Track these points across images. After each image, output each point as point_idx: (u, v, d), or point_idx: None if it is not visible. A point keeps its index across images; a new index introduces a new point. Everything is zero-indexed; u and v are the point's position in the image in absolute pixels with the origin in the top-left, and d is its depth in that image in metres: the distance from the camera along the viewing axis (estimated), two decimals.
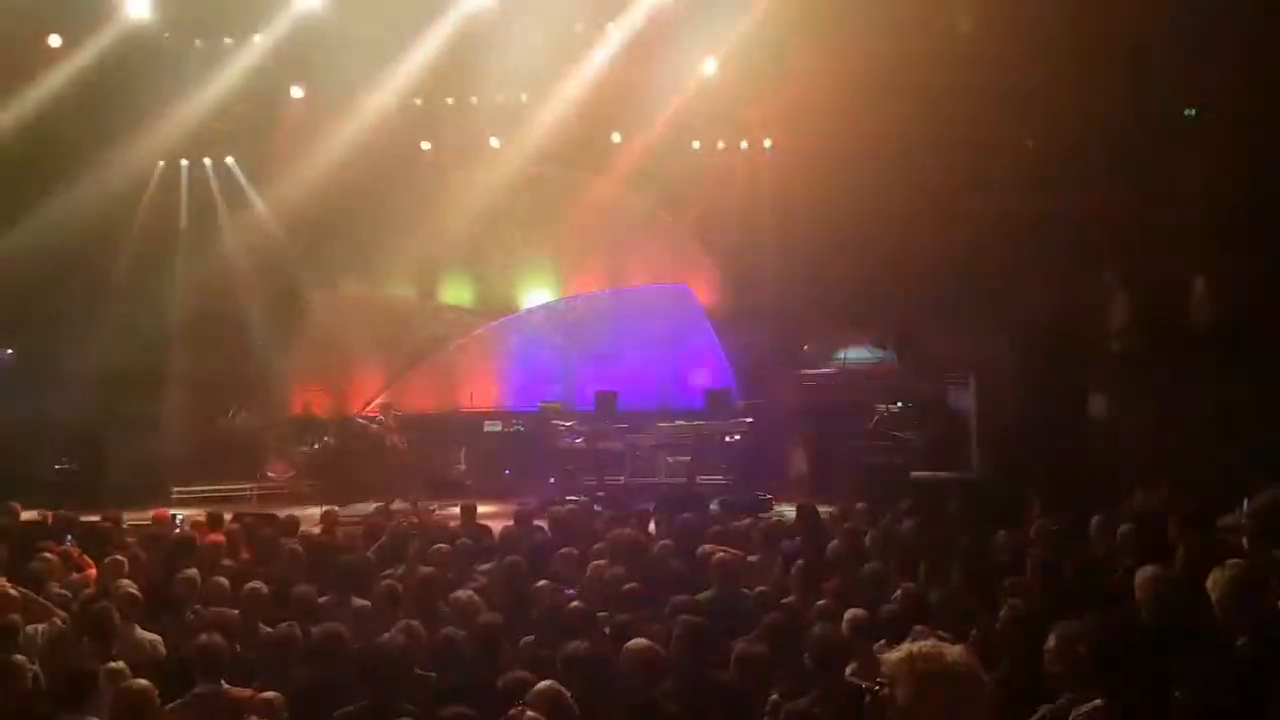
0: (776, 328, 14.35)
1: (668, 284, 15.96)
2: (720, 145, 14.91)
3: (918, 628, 4.66)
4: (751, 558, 6.89)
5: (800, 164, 12.59)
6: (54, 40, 12.41)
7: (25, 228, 12.64)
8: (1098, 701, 3.64)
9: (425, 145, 15.05)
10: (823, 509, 8.63)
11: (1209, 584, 3.72)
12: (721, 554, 6.37)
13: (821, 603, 5.40)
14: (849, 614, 5.03)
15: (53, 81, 12.38)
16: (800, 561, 6.04)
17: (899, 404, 13.02)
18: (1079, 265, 12.08)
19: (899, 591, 5.35)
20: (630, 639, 4.66)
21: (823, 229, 12.92)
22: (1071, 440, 11.04)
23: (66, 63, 12.40)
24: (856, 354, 14.23)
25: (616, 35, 13.15)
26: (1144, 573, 4.83)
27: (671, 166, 14.33)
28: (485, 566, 6.85)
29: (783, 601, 5.64)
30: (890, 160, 11.96)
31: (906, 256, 12.34)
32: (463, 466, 13.70)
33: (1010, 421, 11.64)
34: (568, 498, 11.33)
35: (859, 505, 8.42)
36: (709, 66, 13.57)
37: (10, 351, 13.99)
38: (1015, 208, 11.70)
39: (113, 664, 4.73)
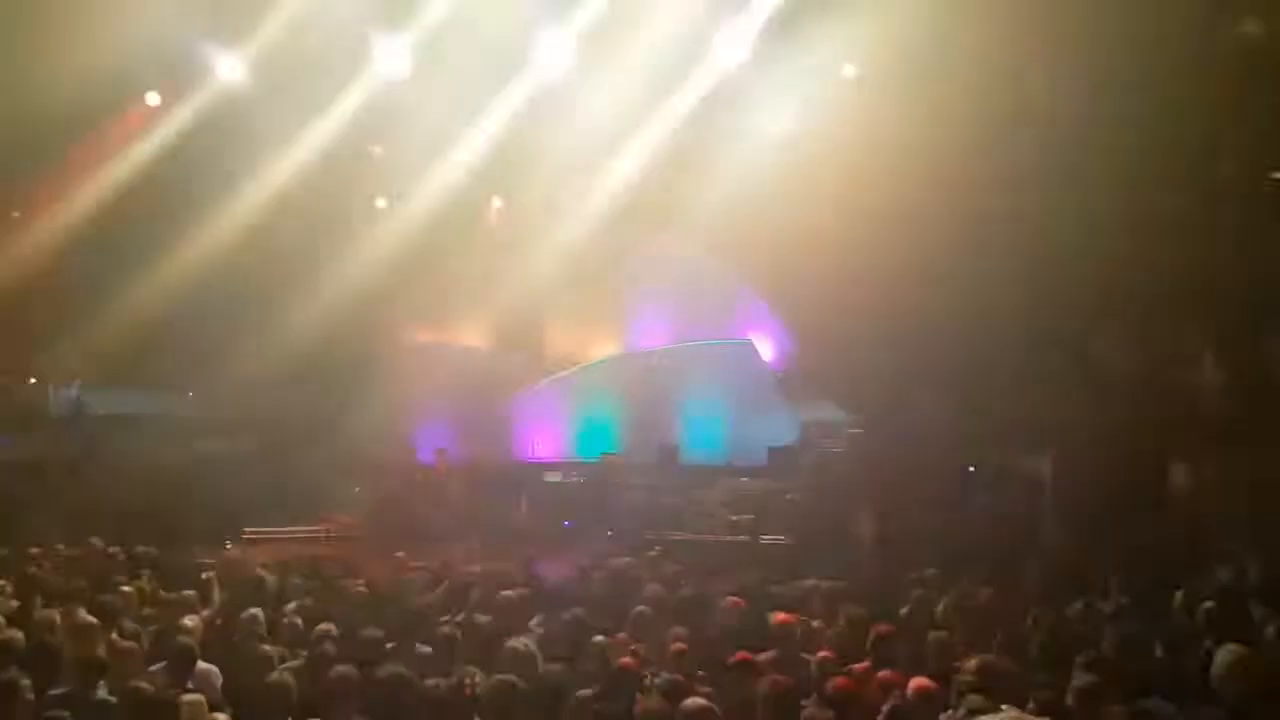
0: (842, 386, 14.21)
1: (732, 339, 15.97)
2: (787, 202, 14.94)
3: (973, 697, 4.54)
4: (814, 622, 6.75)
5: (870, 220, 12.55)
6: (152, 99, 13.11)
7: (138, 278, 13.24)
8: None
9: (497, 202, 15.44)
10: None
11: None
12: (782, 616, 6.27)
13: (888, 672, 5.25)
14: (914, 683, 4.90)
15: (153, 138, 13.07)
16: (875, 630, 5.87)
17: (971, 468, 12.73)
18: (1164, 328, 11.77)
19: (971, 662, 5.18)
20: (684, 698, 4.60)
21: (893, 287, 12.81)
22: (1152, 510, 10.67)
23: (167, 120, 13.08)
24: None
25: (686, 93, 13.38)
26: (1226, 653, 4.63)
27: (738, 222, 14.41)
28: (539, 618, 6.83)
29: (852, 668, 5.50)
30: (966, 219, 11.87)
31: (982, 317, 12.16)
32: (524, 516, 13.72)
33: (1088, 489, 11.29)
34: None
35: (930, 571, 8.21)
36: (778, 124, 13.74)
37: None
38: (1100, 269, 11.49)
39: (190, 695, 4.84)
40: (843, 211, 12.53)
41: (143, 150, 13.20)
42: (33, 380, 14.80)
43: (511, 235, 15.56)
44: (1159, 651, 5.71)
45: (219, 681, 5.58)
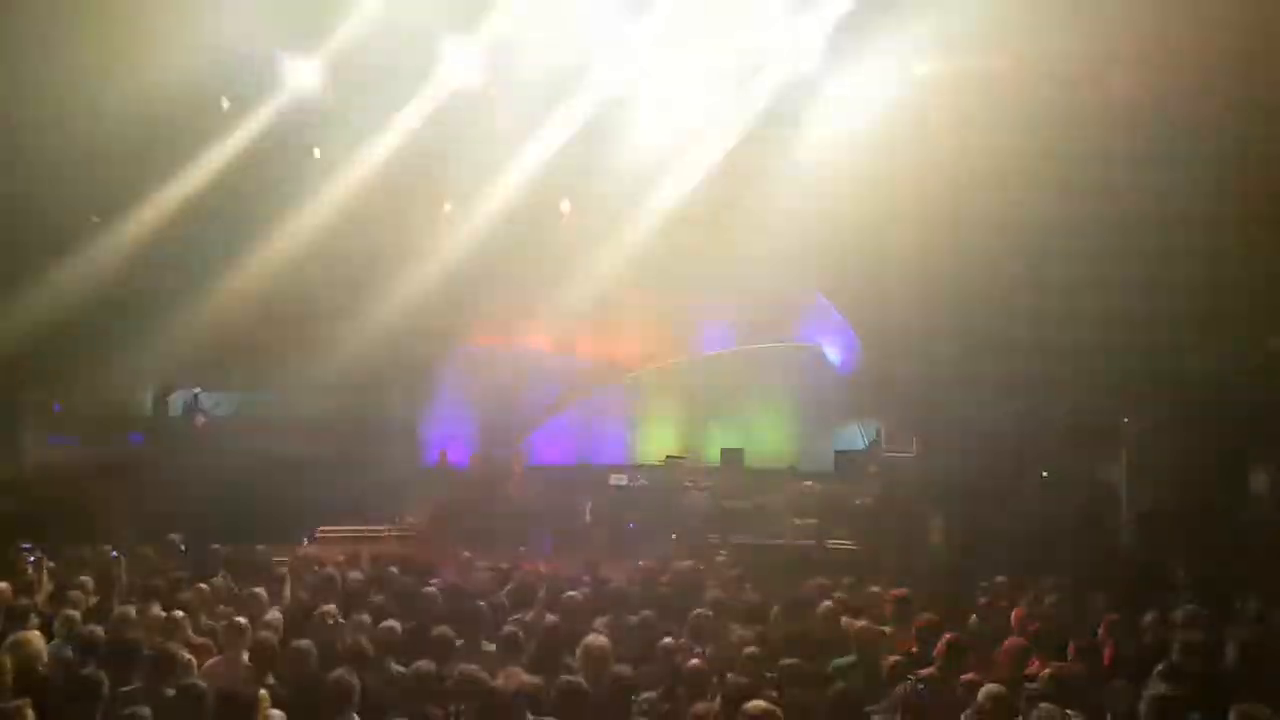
0: (911, 390, 13.99)
1: (800, 342, 15.86)
2: (856, 206, 14.77)
3: (1045, 705, 4.46)
4: (885, 628, 6.66)
5: (940, 225, 12.36)
6: (225, 104, 13.44)
7: (214, 283, 13.66)
8: None
9: (565, 205, 15.55)
10: None
11: None
12: (862, 623, 6.22)
13: (967, 677, 5.16)
14: (985, 689, 4.81)
15: (228, 144, 13.42)
16: (948, 636, 5.78)
17: (1043, 473, 12.45)
18: (1243, 331, 11.39)
19: (1044, 670, 5.08)
20: (748, 700, 4.59)
21: (964, 291, 12.60)
22: (1228, 515, 10.34)
23: (241, 127, 13.42)
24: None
25: (756, 97, 13.33)
26: None
27: (807, 226, 14.31)
28: (604, 619, 6.86)
29: (921, 674, 5.43)
30: (1039, 223, 11.62)
31: (1055, 321, 11.89)
32: (588, 518, 13.79)
33: (1163, 494, 10.98)
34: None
35: (999, 579, 8.05)
36: (847, 128, 13.65)
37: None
38: (1176, 271, 11.16)
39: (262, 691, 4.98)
40: (912, 216, 12.37)
41: (215, 157, 13.54)
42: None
43: (578, 239, 15.69)
44: (1232, 658, 5.53)
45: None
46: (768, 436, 15.16)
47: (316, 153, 14.26)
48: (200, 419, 14.77)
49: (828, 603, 6.78)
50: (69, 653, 5.84)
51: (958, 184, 12.15)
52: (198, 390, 14.96)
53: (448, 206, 15.09)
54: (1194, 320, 11.39)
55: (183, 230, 13.61)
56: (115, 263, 13.45)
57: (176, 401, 15.01)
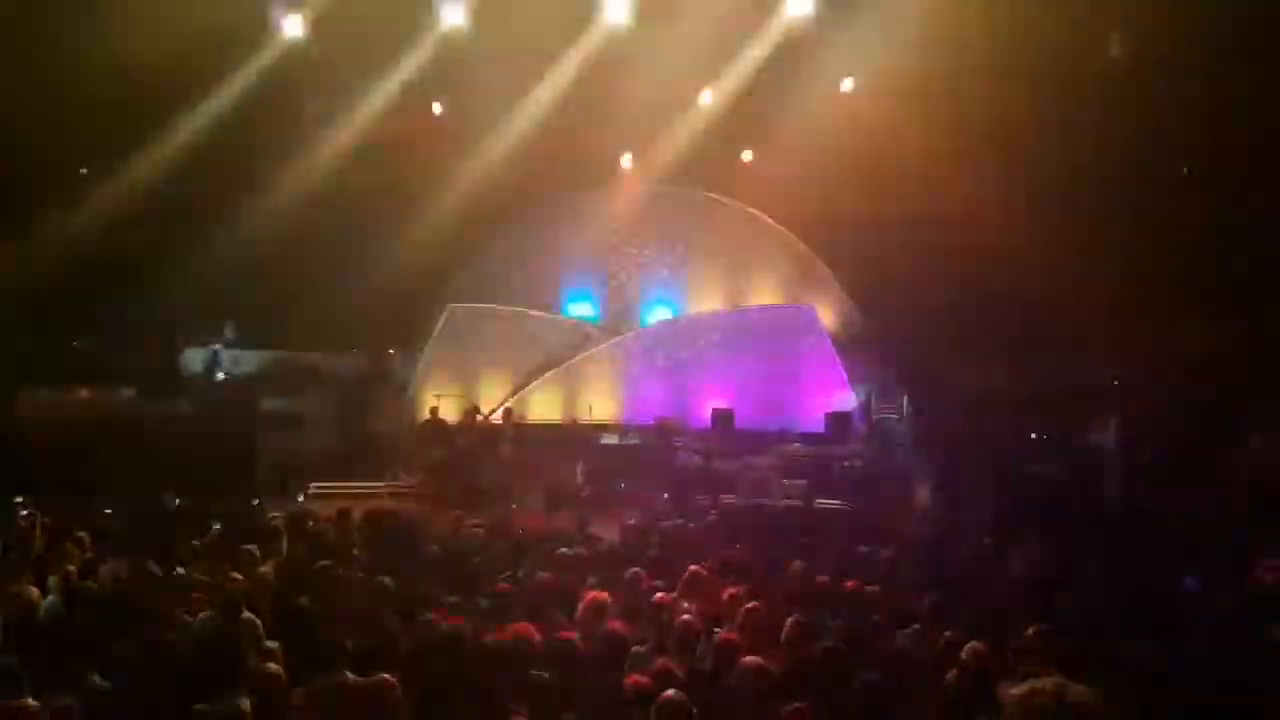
0: (903, 353, 14.04)
1: (791, 304, 15.86)
2: (852, 165, 14.70)
3: (1030, 664, 4.53)
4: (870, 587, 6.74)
5: (935, 187, 12.31)
6: (218, 58, 13.22)
7: (208, 237, 13.54)
8: None
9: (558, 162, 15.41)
10: None
11: None
12: (850, 583, 6.30)
13: (948, 634, 5.24)
14: (969, 647, 4.89)
15: (219, 98, 13.23)
16: (932, 595, 5.86)
17: (1033, 435, 12.53)
18: (1238, 293, 11.42)
19: (1029, 630, 5.16)
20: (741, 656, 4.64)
21: (957, 254, 12.58)
22: (1226, 479, 10.44)
23: (234, 78, 13.23)
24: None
25: (751, 55, 13.18)
26: None
27: (801, 186, 14.23)
28: (595, 578, 6.92)
29: (906, 631, 5.51)
30: (1036, 187, 11.57)
31: (1048, 284, 11.89)
32: (579, 478, 13.84)
33: (1156, 458, 11.07)
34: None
35: (986, 540, 8.14)
36: (844, 86, 13.56)
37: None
38: (1173, 236, 11.16)
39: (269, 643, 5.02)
40: (908, 179, 12.30)
41: (207, 109, 13.37)
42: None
43: (571, 197, 15.58)
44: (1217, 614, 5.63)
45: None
46: (760, 397, 15.18)
47: (310, 103, 14.09)
48: (220, 375, 14.73)
49: (801, 562, 6.85)
50: (62, 607, 5.88)
51: (955, 145, 12.08)
52: (217, 347, 14.91)
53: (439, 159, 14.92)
54: (1191, 283, 11.42)
55: (173, 184, 13.46)
56: (114, 214, 13.31)
57: (194, 357, 14.95)
